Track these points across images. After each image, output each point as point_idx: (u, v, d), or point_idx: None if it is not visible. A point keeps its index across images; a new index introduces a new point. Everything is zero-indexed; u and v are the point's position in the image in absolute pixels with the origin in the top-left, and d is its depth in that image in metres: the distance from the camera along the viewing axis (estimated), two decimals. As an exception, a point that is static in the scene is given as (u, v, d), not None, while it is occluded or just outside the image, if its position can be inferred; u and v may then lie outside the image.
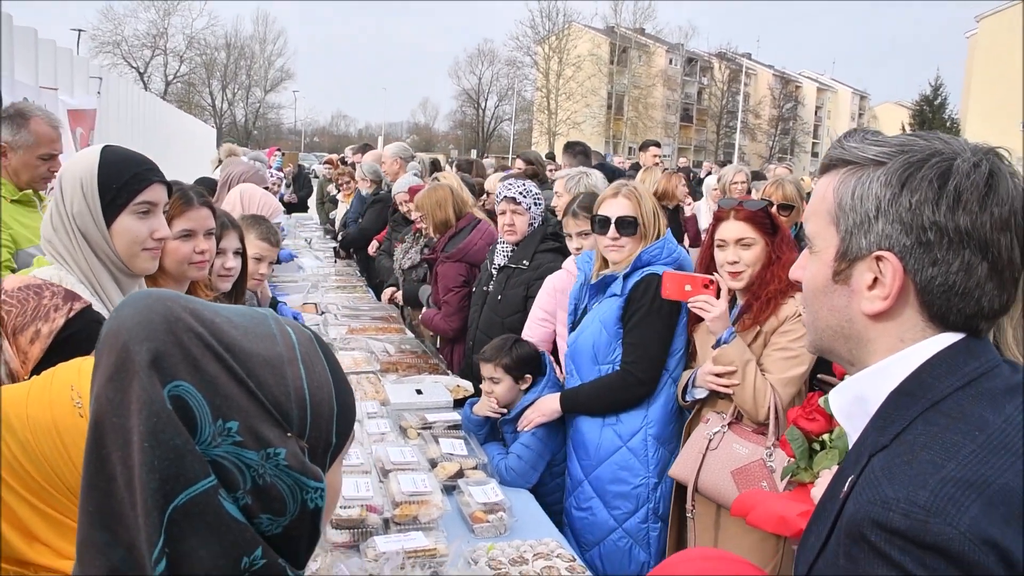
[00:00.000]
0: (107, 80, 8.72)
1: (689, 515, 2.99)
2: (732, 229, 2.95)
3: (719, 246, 2.99)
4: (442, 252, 4.84)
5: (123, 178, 2.06)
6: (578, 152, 7.92)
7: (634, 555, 3.20)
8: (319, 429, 0.91)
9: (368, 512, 2.51)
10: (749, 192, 6.58)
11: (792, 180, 5.39)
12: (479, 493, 2.79)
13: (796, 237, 3.61)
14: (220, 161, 8.84)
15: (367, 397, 3.71)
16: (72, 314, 1.64)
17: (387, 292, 6.01)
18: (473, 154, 39.67)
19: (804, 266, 1.22)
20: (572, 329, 3.42)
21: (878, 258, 1.09)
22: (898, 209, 1.07)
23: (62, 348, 1.56)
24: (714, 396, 3.01)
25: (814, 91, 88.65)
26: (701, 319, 3.01)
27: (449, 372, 4.36)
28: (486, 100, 78.62)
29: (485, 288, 4.32)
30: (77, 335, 1.61)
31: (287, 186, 12.81)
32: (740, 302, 3.02)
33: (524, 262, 4.14)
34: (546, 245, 4.15)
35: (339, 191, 9.70)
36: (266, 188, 5.72)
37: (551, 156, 11.24)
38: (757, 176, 8.85)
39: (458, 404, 3.74)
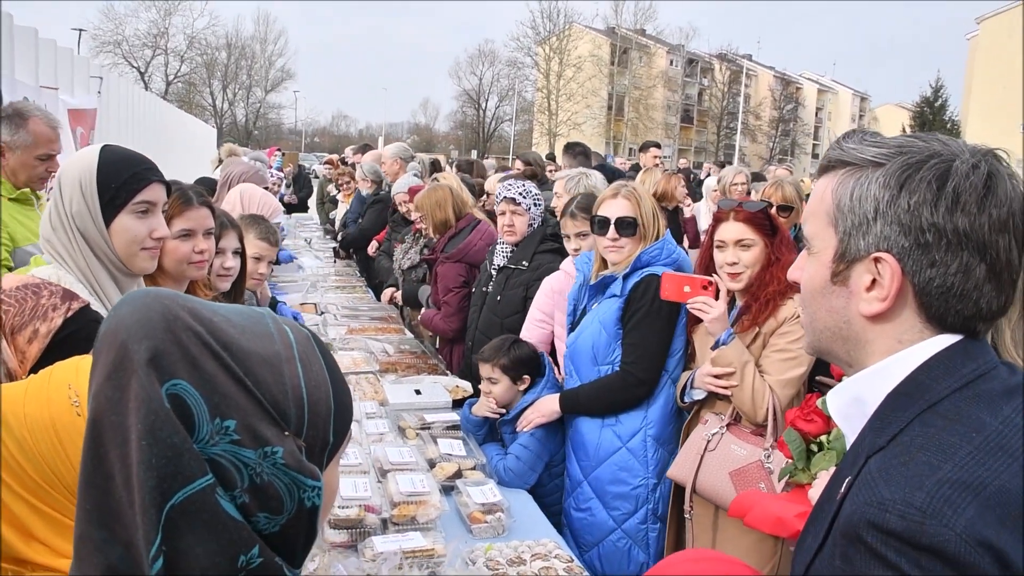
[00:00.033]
0: (107, 80, 8.73)
1: (687, 516, 2.99)
2: (731, 230, 2.95)
3: (718, 247, 2.99)
4: (442, 252, 4.84)
5: (122, 177, 2.06)
6: (578, 153, 7.92)
7: (633, 556, 3.20)
8: (316, 428, 0.91)
9: (366, 512, 2.51)
10: (748, 193, 6.58)
11: (791, 181, 5.39)
12: (477, 494, 2.80)
13: (795, 238, 3.60)
14: (220, 161, 8.83)
15: (366, 397, 3.71)
16: (70, 314, 1.65)
17: (387, 292, 6.01)
18: (474, 155, 39.66)
19: (802, 267, 1.22)
20: (571, 330, 3.42)
21: (876, 259, 1.09)
22: (896, 211, 1.07)
23: (60, 348, 1.56)
24: (713, 397, 3.01)
25: (815, 92, 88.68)
26: (700, 320, 3.01)
27: (448, 373, 4.36)
28: (487, 101, 78.77)
29: (484, 289, 4.32)
30: (75, 335, 1.61)
31: (287, 186, 12.81)
32: (739, 303, 3.02)
33: (523, 263, 4.14)
34: (545, 246, 4.15)
35: (339, 191, 9.70)
36: (266, 188, 5.72)
37: (551, 157, 11.26)
38: (757, 177, 8.85)
39: (457, 405, 3.74)
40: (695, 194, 9.58)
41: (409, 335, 5.17)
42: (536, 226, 4.24)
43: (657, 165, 9.10)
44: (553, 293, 3.80)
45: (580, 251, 3.63)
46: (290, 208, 12.23)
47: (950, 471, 0.95)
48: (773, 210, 3.36)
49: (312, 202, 13.10)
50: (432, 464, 3.02)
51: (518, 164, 7.58)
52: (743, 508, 2.07)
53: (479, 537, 2.65)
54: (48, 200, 2.19)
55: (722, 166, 14.83)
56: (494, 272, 4.28)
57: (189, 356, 0.83)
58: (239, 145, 12.95)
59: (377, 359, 4.41)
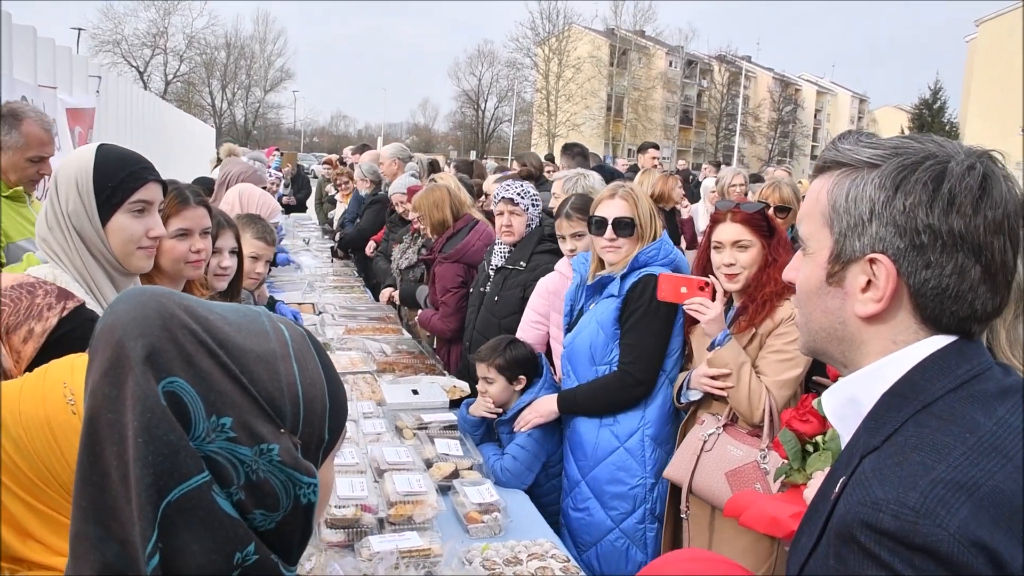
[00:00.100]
0: (106, 79, 8.73)
1: (683, 516, 2.99)
2: (728, 231, 2.95)
3: (715, 248, 2.99)
4: (440, 253, 4.84)
5: (118, 177, 2.06)
6: (576, 154, 7.93)
7: (631, 555, 3.20)
8: (312, 425, 0.91)
9: (363, 512, 2.51)
10: (746, 195, 6.59)
11: (789, 182, 5.39)
12: (474, 493, 2.80)
13: (793, 239, 3.60)
14: (219, 160, 8.84)
15: (363, 397, 3.71)
16: (65, 313, 1.64)
17: (385, 292, 6.01)
18: (472, 155, 39.67)
19: (797, 268, 1.23)
20: (568, 330, 3.42)
21: (872, 260, 1.09)
22: (892, 212, 1.07)
23: (55, 347, 1.56)
24: (709, 398, 3.01)
25: (813, 94, 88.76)
26: (698, 321, 3.01)
27: (446, 373, 4.37)
28: (486, 101, 78.75)
29: (482, 289, 4.32)
30: (71, 334, 1.61)
31: (286, 186, 12.81)
32: (736, 304, 3.02)
33: (521, 263, 4.14)
34: (543, 246, 4.15)
35: (337, 191, 9.70)
36: (264, 188, 5.72)
37: (550, 158, 11.26)
38: (755, 179, 8.85)
39: (454, 405, 3.74)
40: (693, 195, 9.58)
41: (407, 335, 5.17)
42: (534, 227, 4.24)
43: (656, 166, 9.10)
44: (548, 294, 3.80)
45: (576, 252, 3.63)
46: (288, 209, 12.23)
47: (944, 471, 0.95)
48: (770, 211, 3.36)
49: (311, 202, 13.11)
50: (429, 464, 3.02)
51: (515, 165, 7.59)
52: (738, 508, 2.07)
53: (476, 537, 2.65)
54: (41, 199, 2.19)
55: (718, 167, 14.84)
56: (492, 272, 4.28)
57: (185, 354, 0.84)
58: (238, 145, 12.94)
59: (375, 359, 4.41)
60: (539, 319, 3.84)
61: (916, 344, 1.10)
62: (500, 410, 3.42)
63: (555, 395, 3.34)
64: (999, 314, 1.12)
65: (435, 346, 5.17)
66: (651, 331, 3.17)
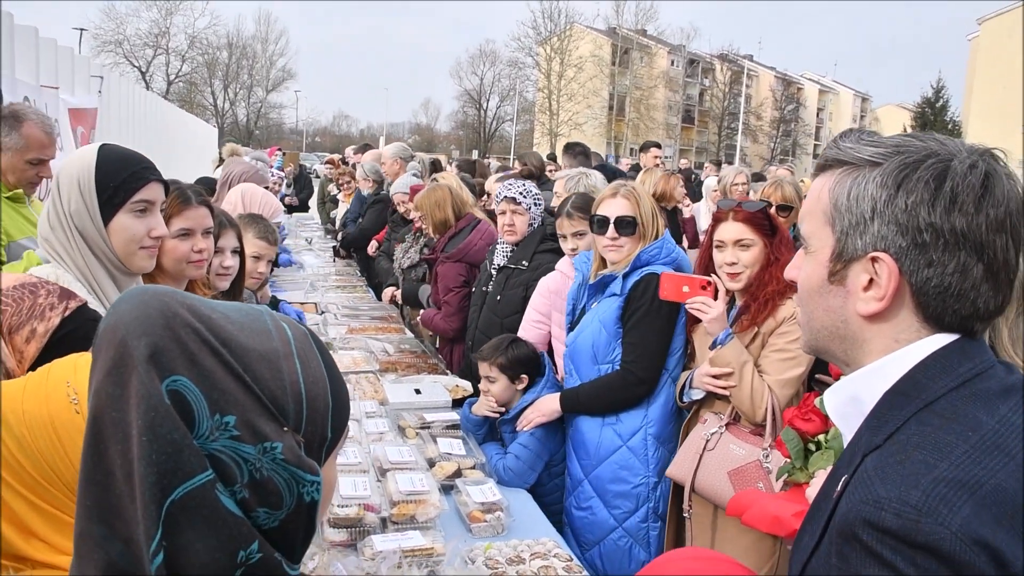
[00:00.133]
0: (108, 79, 8.73)
1: (686, 515, 2.99)
2: (730, 230, 2.95)
3: (718, 247, 2.99)
4: (442, 252, 4.85)
5: (120, 176, 2.06)
6: (578, 153, 7.93)
7: (634, 554, 3.20)
8: (315, 424, 0.91)
9: (365, 511, 2.51)
10: (748, 194, 6.58)
11: (791, 181, 5.39)
12: (477, 493, 2.80)
13: (795, 238, 3.60)
14: (222, 160, 8.84)
15: (366, 396, 3.71)
16: (68, 313, 1.64)
17: (387, 292, 6.01)
18: (475, 155, 39.61)
19: (799, 266, 1.23)
20: (570, 329, 3.42)
21: (874, 259, 1.09)
22: (894, 210, 1.07)
23: (58, 347, 1.56)
24: (712, 397, 3.01)
25: (816, 93, 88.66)
26: (700, 320, 3.01)
27: (448, 372, 4.36)
28: (488, 101, 78.70)
29: (484, 288, 4.33)
30: (73, 334, 1.61)
31: (288, 186, 12.82)
32: (738, 303, 3.02)
33: (523, 262, 4.14)
34: (545, 246, 4.14)
35: (340, 191, 9.71)
36: (266, 188, 5.73)
37: (552, 157, 11.26)
38: (757, 178, 8.85)
39: (457, 404, 3.74)
40: (696, 194, 9.57)
41: (409, 334, 5.17)
42: (536, 226, 4.24)
43: (658, 165, 9.09)
44: (550, 293, 3.80)
45: (577, 251, 3.63)
46: (291, 209, 12.24)
47: (946, 470, 0.95)
48: (772, 210, 3.36)
49: (313, 202, 13.11)
50: (432, 463, 3.02)
51: (517, 164, 7.59)
52: (740, 507, 2.07)
53: (478, 536, 2.65)
54: (42, 199, 2.19)
55: (718, 165, 14.83)
56: (494, 272, 4.28)
57: (188, 352, 0.84)
58: (240, 145, 12.95)
59: (377, 358, 4.41)
60: (540, 318, 3.84)
61: (918, 342, 1.10)
62: (503, 409, 3.42)
63: (557, 394, 3.34)
64: (1001, 312, 1.12)
65: (437, 345, 5.18)
66: (653, 330, 3.16)
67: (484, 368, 3.45)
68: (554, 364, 3.66)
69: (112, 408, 0.83)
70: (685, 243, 7.07)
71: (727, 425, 2.94)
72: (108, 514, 0.83)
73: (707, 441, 2.93)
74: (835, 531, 1.00)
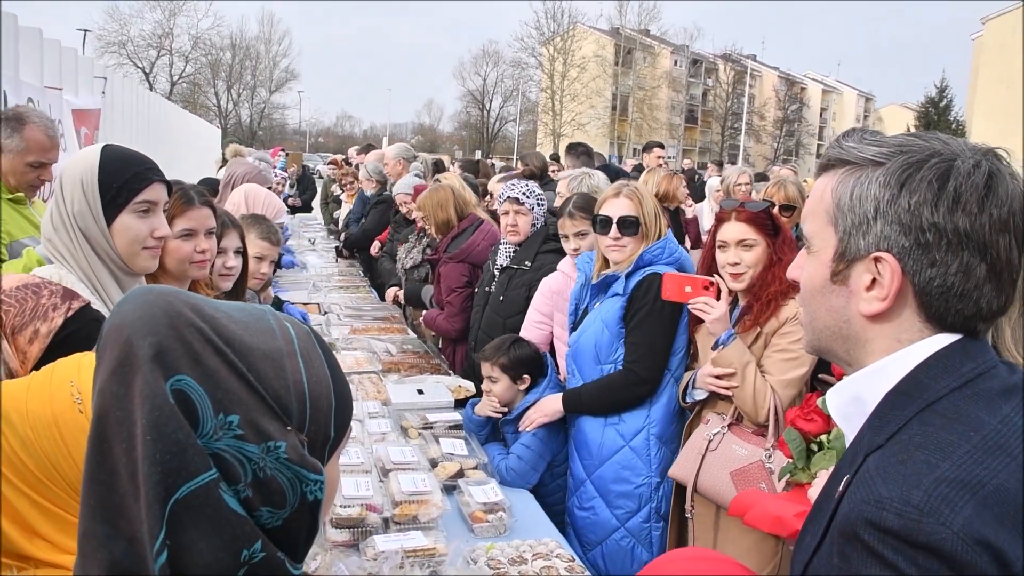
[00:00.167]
0: (112, 80, 8.75)
1: (688, 516, 2.99)
2: (733, 230, 2.95)
3: (720, 247, 2.99)
4: (444, 253, 4.85)
5: (123, 177, 2.07)
6: (580, 153, 7.93)
7: (637, 554, 3.20)
8: (318, 423, 0.92)
9: (368, 511, 2.51)
10: (750, 194, 6.57)
11: (794, 181, 5.37)
12: (479, 493, 2.80)
13: (797, 238, 3.60)
14: (225, 161, 8.85)
15: (369, 397, 3.71)
16: (71, 313, 1.64)
17: (390, 292, 6.02)
18: (478, 155, 39.60)
19: (801, 266, 1.22)
20: (573, 329, 3.42)
21: (876, 259, 1.09)
22: (897, 210, 1.07)
23: (61, 347, 1.56)
24: (715, 397, 3.01)
25: (819, 93, 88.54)
26: (703, 320, 3.01)
27: (451, 372, 4.37)
28: (491, 101, 78.68)
29: (487, 289, 4.33)
30: (76, 334, 1.61)
31: (291, 187, 12.83)
32: (741, 303, 3.02)
33: (526, 263, 4.14)
34: (548, 246, 4.15)
35: (343, 191, 9.72)
36: (270, 188, 5.73)
37: (555, 157, 11.25)
38: (760, 178, 8.83)
39: (460, 404, 3.74)
40: (699, 195, 9.56)
41: (412, 335, 5.18)
42: (539, 226, 4.24)
43: (661, 165, 9.08)
44: (551, 294, 3.80)
45: (580, 251, 3.63)
46: (294, 210, 12.26)
47: (948, 470, 0.95)
48: (775, 210, 3.36)
49: (316, 202, 13.13)
50: (434, 463, 3.02)
51: (519, 165, 7.60)
52: (742, 507, 2.06)
53: (481, 536, 2.65)
54: (45, 201, 2.19)
55: (720, 166, 14.82)
56: (497, 272, 4.28)
57: (192, 352, 0.84)
58: (244, 145, 12.97)
59: (380, 359, 4.41)
60: (542, 319, 3.84)
61: (921, 342, 1.10)
62: (505, 409, 3.42)
63: (560, 394, 3.34)
64: (1004, 312, 1.11)
65: (440, 346, 5.18)
66: (656, 329, 3.16)
67: (486, 368, 3.45)
68: (556, 364, 3.66)
69: (116, 407, 0.83)
70: (687, 243, 7.06)
71: (730, 425, 2.94)
72: (112, 513, 0.83)
73: (709, 441, 2.93)
74: (837, 531, 1.00)
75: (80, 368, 1.16)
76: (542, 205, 4.25)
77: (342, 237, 8.47)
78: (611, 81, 72.30)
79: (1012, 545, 0.91)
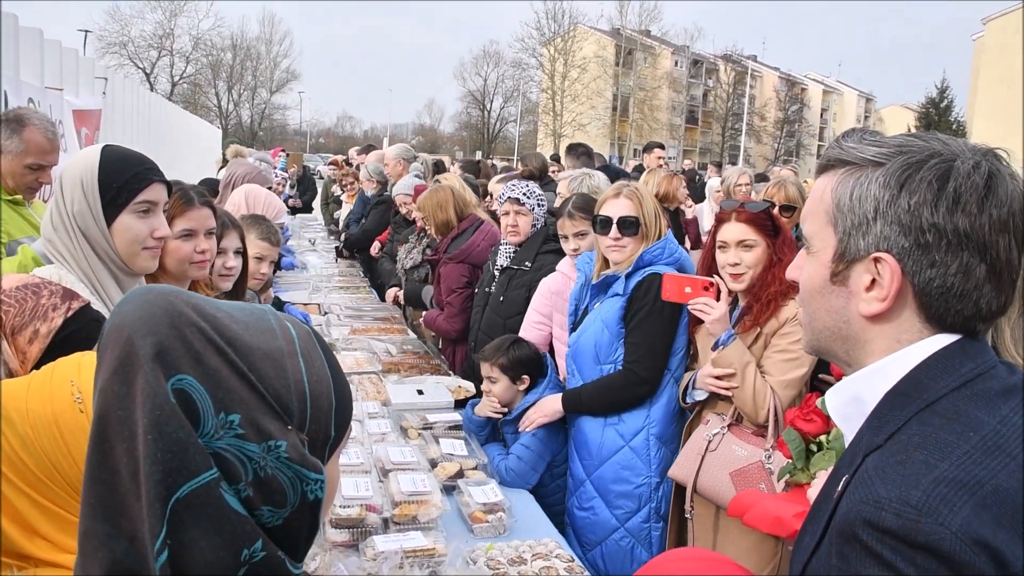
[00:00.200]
0: (113, 81, 8.75)
1: (688, 516, 2.99)
2: (733, 231, 2.95)
3: (720, 247, 2.99)
4: (444, 253, 4.85)
5: (123, 177, 2.07)
6: (581, 154, 7.93)
7: (636, 555, 3.20)
8: (318, 422, 0.92)
9: (367, 511, 2.51)
10: (751, 194, 6.57)
11: (794, 181, 5.37)
12: (479, 493, 2.80)
13: (797, 238, 3.60)
14: (226, 161, 8.86)
15: (368, 397, 3.72)
16: (70, 313, 1.64)
17: (391, 292, 6.02)
18: (478, 156, 39.57)
19: (801, 266, 1.22)
20: (573, 329, 3.42)
21: (876, 260, 1.09)
22: (897, 211, 1.07)
23: (61, 347, 1.56)
24: (715, 397, 3.01)
25: (820, 93, 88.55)
26: (703, 320, 3.01)
27: (451, 373, 4.37)
28: (491, 102, 78.65)
29: (487, 289, 4.33)
30: (76, 334, 1.61)
31: (291, 187, 12.83)
32: (741, 304, 3.02)
33: (526, 263, 4.14)
34: (548, 246, 4.15)
35: (343, 192, 9.72)
36: (270, 188, 5.73)
37: (556, 158, 11.26)
38: (761, 178, 8.83)
39: (459, 405, 3.74)
40: (700, 195, 9.56)
41: (412, 335, 5.18)
42: (540, 227, 4.24)
43: (661, 166, 9.08)
44: (551, 294, 3.81)
45: (579, 251, 3.63)
46: (294, 211, 12.26)
47: (947, 470, 0.95)
48: (776, 210, 3.36)
49: (317, 203, 13.14)
50: (434, 464, 3.03)
51: (520, 165, 7.60)
52: (742, 507, 2.07)
53: (480, 537, 2.65)
54: (45, 201, 2.19)
55: (719, 167, 14.82)
56: (497, 273, 4.28)
57: (193, 351, 0.85)
58: (244, 146, 12.97)
59: (380, 359, 4.41)
60: (541, 320, 3.84)
61: (920, 343, 1.10)
62: (506, 410, 3.42)
63: (559, 394, 3.34)
64: (1004, 313, 1.12)
65: (440, 346, 5.18)
66: (656, 330, 3.16)
67: (485, 368, 3.45)
68: (555, 365, 3.66)
69: (118, 407, 0.83)
70: (687, 244, 7.06)
71: (729, 426, 2.94)
72: (112, 512, 0.83)
73: (709, 442, 2.93)
74: (835, 531, 1.00)
75: (80, 367, 1.17)
76: (542, 206, 4.26)
77: (342, 237, 8.48)
78: (612, 82, 72.29)
79: (1010, 545, 0.91)
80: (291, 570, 0.89)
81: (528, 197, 4.16)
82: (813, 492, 1.97)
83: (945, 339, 1.09)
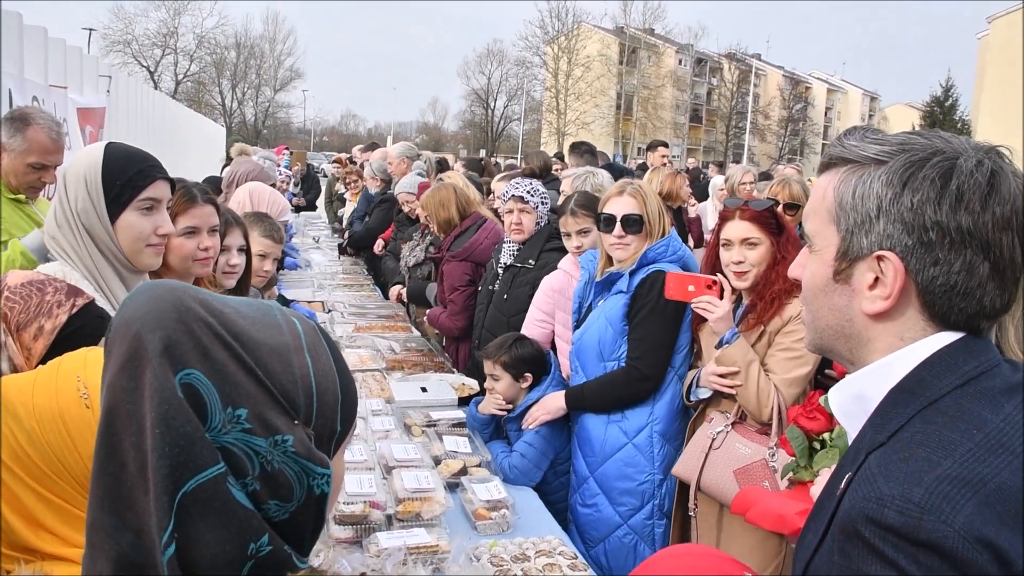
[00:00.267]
0: (117, 79, 8.77)
1: (691, 514, 2.99)
2: (737, 229, 2.94)
3: (724, 246, 2.98)
4: (447, 251, 4.85)
5: (127, 174, 2.07)
6: (584, 152, 7.93)
7: (639, 551, 3.21)
8: (325, 417, 0.93)
9: (371, 508, 2.52)
10: (754, 193, 6.56)
11: (798, 180, 5.37)
12: (482, 490, 2.80)
13: (801, 236, 3.59)
14: (230, 159, 8.87)
15: (372, 395, 3.72)
16: (75, 310, 1.65)
17: (394, 290, 6.03)
18: (482, 154, 39.54)
19: (803, 265, 1.22)
20: (577, 327, 3.42)
21: (879, 258, 1.09)
22: (899, 209, 1.07)
23: (65, 344, 1.57)
24: (718, 395, 3.01)
25: (824, 92, 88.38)
26: (706, 319, 3.00)
27: (454, 370, 4.37)
28: (495, 100, 78.64)
29: (491, 287, 4.33)
30: (80, 331, 1.62)
31: (295, 185, 12.85)
32: (745, 302, 3.02)
33: (530, 261, 4.14)
34: (552, 244, 4.15)
35: (347, 190, 9.73)
36: (273, 186, 5.74)
37: (560, 156, 11.25)
38: (764, 177, 8.82)
39: (463, 402, 3.75)
40: (704, 194, 9.54)
41: (416, 333, 5.19)
42: (543, 224, 4.24)
43: (665, 164, 9.07)
44: (553, 292, 3.81)
45: (582, 249, 3.64)
46: (298, 209, 12.27)
47: (950, 467, 0.95)
48: (779, 208, 3.35)
49: (320, 201, 13.15)
50: (437, 461, 3.03)
51: (523, 164, 7.60)
52: (744, 504, 2.07)
53: (483, 534, 2.65)
54: (49, 198, 2.20)
55: (720, 166, 14.80)
56: (501, 270, 4.28)
57: (201, 346, 0.85)
58: (248, 144, 12.99)
59: (384, 357, 4.42)
60: (544, 318, 3.84)
61: (923, 341, 1.10)
62: (510, 407, 3.42)
63: (563, 392, 3.34)
64: (1007, 310, 1.11)
65: (444, 344, 5.18)
66: (659, 327, 3.17)
67: (488, 366, 3.46)
68: (558, 362, 3.66)
69: (126, 401, 0.84)
70: (690, 242, 7.06)
71: (733, 424, 2.94)
72: (119, 505, 0.84)
73: (713, 440, 2.93)
74: (838, 528, 1.00)
75: (87, 363, 1.17)
76: (546, 203, 4.26)
77: (346, 235, 8.48)
78: (615, 80, 72.20)
79: (1013, 543, 0.91)
80: (297, 564, 0.90)
81: (532, 195, 4.16)
82: (816, 490, 1.97)
83: (948, 337, 1.09)
